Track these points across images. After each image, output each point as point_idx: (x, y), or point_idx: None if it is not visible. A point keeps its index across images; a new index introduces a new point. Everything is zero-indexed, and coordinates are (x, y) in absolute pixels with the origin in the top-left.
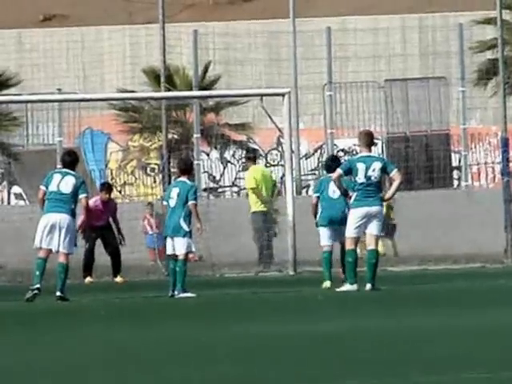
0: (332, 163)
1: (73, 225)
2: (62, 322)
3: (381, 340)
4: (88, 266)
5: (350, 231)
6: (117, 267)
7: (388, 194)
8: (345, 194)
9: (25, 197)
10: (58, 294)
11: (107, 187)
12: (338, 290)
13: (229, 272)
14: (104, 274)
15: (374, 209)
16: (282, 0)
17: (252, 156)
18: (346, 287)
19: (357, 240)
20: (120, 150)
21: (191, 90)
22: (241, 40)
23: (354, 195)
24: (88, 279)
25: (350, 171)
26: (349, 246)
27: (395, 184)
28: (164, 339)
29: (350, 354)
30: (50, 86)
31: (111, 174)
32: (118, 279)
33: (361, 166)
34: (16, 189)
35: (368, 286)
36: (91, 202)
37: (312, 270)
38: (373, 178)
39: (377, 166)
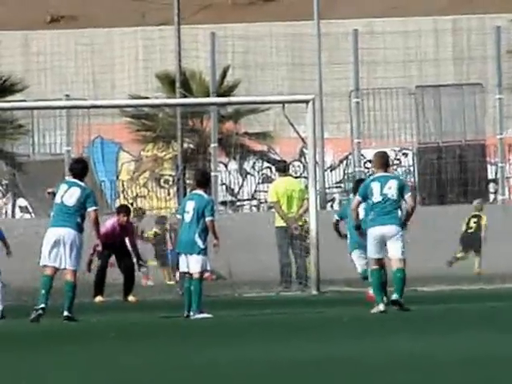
0: (358, 186)
1: (79, 240)
2: (67, 344)
3: (411, 364)
4: (99, 284)
5: (371, 252)
6: (129, 287)
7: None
8: (357, 227)
9: (30, 210)
10: (66, 313)
11: (126, 210)
12: (371, 311)
13: (249, 291)
14: (114, 293)
15: (389, 228)
16: (306, 0)
17: (281, 166)
18: (376, 308)
19: (380, 261)
20: (132, 160)
21: (208, 96)
22: (261, 43)
23: (370, 216)
24: (99, 298)
25: (366, 195)
26: (372, 265)
27: (407, 210)
28: (174, 363)
29: (369, 379)
30: (58, 92)
31: (122, 185)
32: (131, 298)
33: (375, 185)
34: (21, 201)
35: (394, 296)
36: (108, 224)
37: (337, 289)
38: (389, 195)
39: (393, 184)
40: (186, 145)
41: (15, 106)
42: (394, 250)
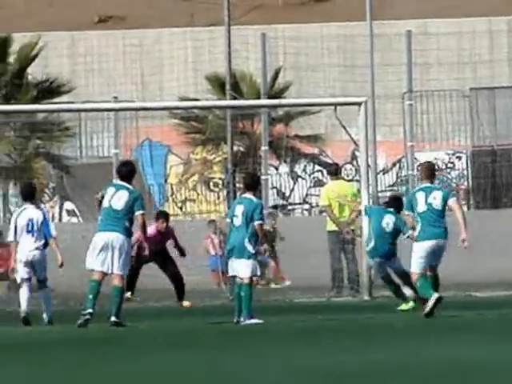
0: (394, 203)
1: (127, 244)
2: (114, 350)
3: (461, 372)
4: (130, 283)
5: (418, 267)
6: (180, 291)
7: (462, 235)
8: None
9: (78, 213)
10: (113, 319)
11: (165, 216)
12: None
13: (300, 297)
14: (162, 299)
15: (442, 242)
16: (358, 1)
17: (333, 170)
18: (431, 300)
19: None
20: (181, 163)
21: (259, 98)
22: (313, 44)
23: (417, 228)
24: (128, 294)
25: (412, 206)
26: (414, 279)
27: (459, 216)
28: (222, 370)
29: None
30: (106, 94)
31: (171, 189)
32: (185, 303)
33: (420, 195)
34: (68, 205)
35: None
36: (148, 230)
37: (389, 295)
38: (434, 205)
39: (437, 194)
40: (235, 147)
41: (62, 108)
42: (434, 260)
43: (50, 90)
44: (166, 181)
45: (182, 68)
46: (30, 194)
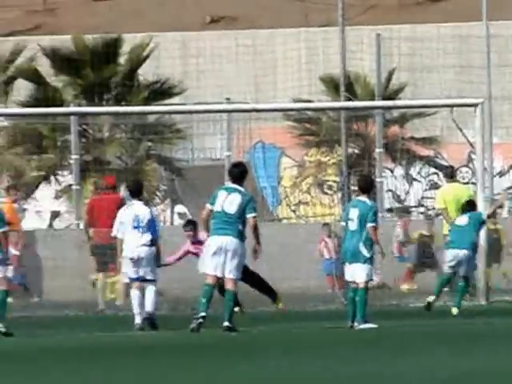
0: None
1: (241, 248)
2: (225, 356)
3: None
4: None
5: None
6: (269, 294)
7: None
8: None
9: (190, 216)
10: (226, 324)
11: (193, 225)
12: None
13: (414, 301)
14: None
15: None
16: (474, 1)
17: (449, 172)
18: None
19: None
20: (294, 165)
21: (373, 99)
22: (428, 45)
23: None
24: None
25: None
26: None
27: None
28: (326, 375)
29: None
30: (218, 95)
31: (284, 192)
32: (280, 305)
33: None
34: (180, 208)
35: None
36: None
37: (507, 299)
38: None
39: None
40: (350, 149)
41: (174, 110)
42: None
43: (161, 91)
44: (279, 183)
45: (295, 69)
46: (137, 191)
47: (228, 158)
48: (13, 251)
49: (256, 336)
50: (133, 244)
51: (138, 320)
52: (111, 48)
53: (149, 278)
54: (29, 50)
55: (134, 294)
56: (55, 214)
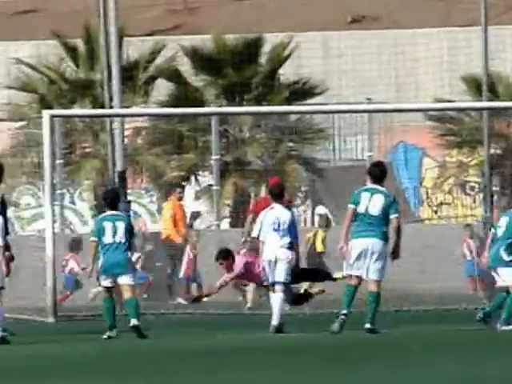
0: None
1: (385, 250)
2: (366, 356)
3: None
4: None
5: None
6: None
7: None
8: None
9: (331, 218)
10: (368, 326)
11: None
12: None
13: None
14: (418, 303)
15: None
16: None
17: None
18: None
19: None
20: (436, 166)
21: None
22: None
23: None
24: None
25: None
26: None
27: None
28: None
29: None
30: (359, 95)
31: (426, 192)
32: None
33: None
34: (320, 209)
35: None
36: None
37: None
38: None
39: None
40: (492, 150)
41: (315, 110)
42: None
43: (302, 91)
44: (421, 184)
45: (437, 69)
46: (278, 194)
47: (370, 158)
48: (190, 253)
49: (396, 337)
50: (272, 247)
51: (275, 322)
52: (252, 48)
53: (281, 280)
54: (169, 49)
55: (276, 299)
56: (195, 215)
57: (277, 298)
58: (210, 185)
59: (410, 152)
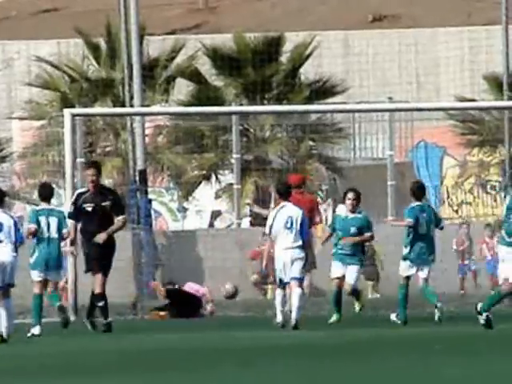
0: None
1: None
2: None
3: None
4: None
5: None
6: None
7: None
8: None
9: None
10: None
11: None
12: None
13: None
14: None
15: None
16: None
17: None
18: None
19: None
20: (457, 165)
21: None
22: None
23: None
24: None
25: None
26: None
27: None
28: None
29: None
30: (380, 94)
31: (447, 191)
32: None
33: None
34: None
35: None
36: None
37: None
38: None
39: None
40: None
41: (336, 109)
42: None
43: (323, 90)
44: (441, 183)
45: (458, 68)
46: (285, 193)
47: (390, 157)
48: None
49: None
50: (283, 245)
51: (279, 318)
52: (273, 47)
53: (296, 276)
54: (189, 48)
55: (295, 292)
56: (216, 214)
57: (296, 294)
58: (231, 184)
59: (430, 151)
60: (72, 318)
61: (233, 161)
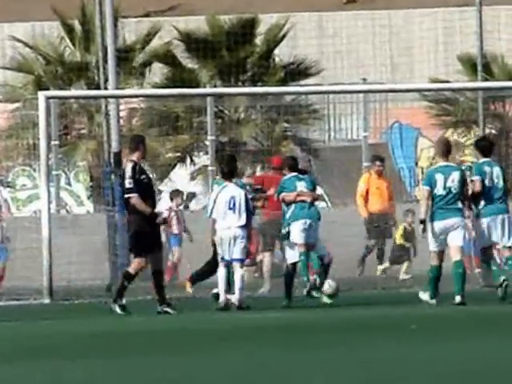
0: None
1: None
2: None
3: None
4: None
5: None
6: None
7: None
8: None
9: (326, 198)
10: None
11: None
12: None
13: None
14: None
15: None
16: None
17: None
18: None
19: None
20: (431, 146)
21: (511, 79)
22: None
23: None
24: None
25: None
26: None
27: None
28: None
29: None
30: (354, 76)
31: (421, 173)
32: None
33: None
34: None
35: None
36: None
37: None
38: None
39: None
40: (487, 130)
41: (310, 91)
42: None
43: (297, 71)
44: (416, 164)
45: (432, 49)
46: (229, 172)
47: (365, 138)
48: None
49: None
50: (226, 225)
51: (222, 299)
52: (247, 29)
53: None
54: (164, 31)
55: (237, 273)
56: (191, 196)
57: (238, 275)
58: (206, 165)
59: (405, 132)
60: (47, 300)
61: (207, 143)
